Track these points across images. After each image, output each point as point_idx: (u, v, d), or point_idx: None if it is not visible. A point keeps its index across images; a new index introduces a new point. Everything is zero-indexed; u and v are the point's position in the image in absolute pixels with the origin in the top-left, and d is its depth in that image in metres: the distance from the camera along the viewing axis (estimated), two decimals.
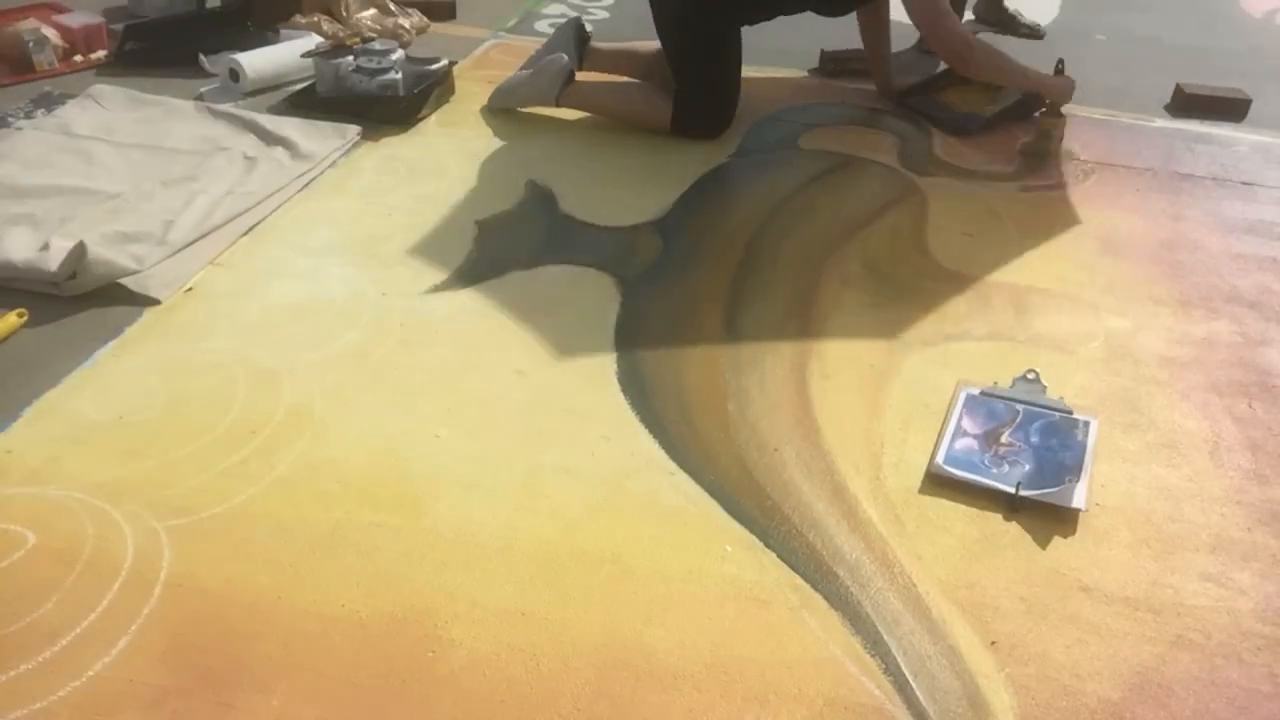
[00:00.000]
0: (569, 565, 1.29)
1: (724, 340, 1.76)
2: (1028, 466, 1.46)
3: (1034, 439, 1.52)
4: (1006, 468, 1.47)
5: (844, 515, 1.40)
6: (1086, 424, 1.55)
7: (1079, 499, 1.41)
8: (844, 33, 3.10)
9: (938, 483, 1.45)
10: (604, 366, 1.68)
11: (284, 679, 1.13)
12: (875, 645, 1.21)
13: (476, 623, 1.21)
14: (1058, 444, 1.51)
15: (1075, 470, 1.45)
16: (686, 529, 1.36)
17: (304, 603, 1.22)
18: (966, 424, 1.54)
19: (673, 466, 1.47)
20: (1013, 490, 1.41)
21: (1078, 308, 1.90)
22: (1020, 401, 1.60)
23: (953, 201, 2.29)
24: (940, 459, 1.47)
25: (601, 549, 1.32)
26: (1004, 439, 1.52)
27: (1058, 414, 1.57)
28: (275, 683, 1.12)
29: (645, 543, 1.34)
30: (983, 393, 1.62)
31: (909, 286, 1.95)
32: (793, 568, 1.31)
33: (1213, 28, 3.17)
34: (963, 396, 1.60)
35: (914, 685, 1.16)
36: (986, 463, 1.48)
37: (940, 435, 1.52)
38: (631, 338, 1.76)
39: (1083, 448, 1.50)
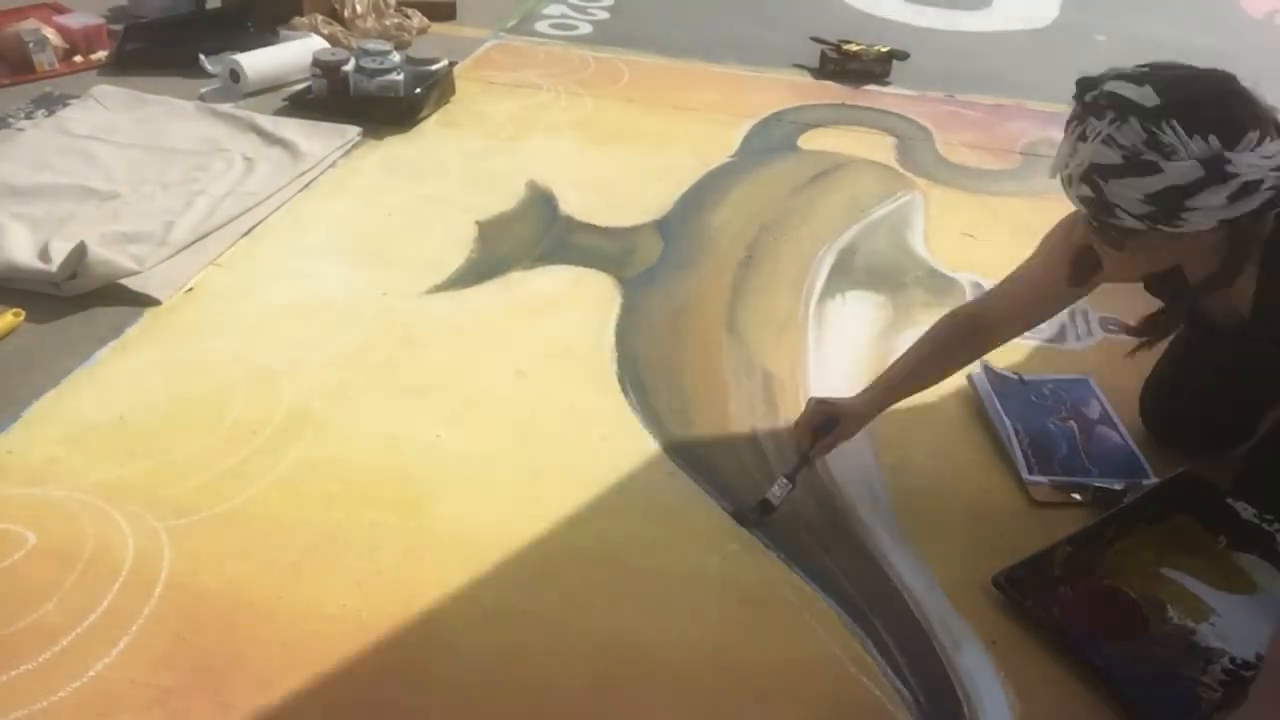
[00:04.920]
0: (569, 565, 1.29)
1: (724, 340, 1.76)
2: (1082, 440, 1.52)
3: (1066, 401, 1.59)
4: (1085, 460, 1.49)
5: (844, 515, 1.40)
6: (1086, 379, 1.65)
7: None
8: (841, 30, 3.11)
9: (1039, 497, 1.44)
10: (604, 366, 1.68)
11: (284, 679, 1.13)
12: (875, 645, 1.21)
13: (476, 623, 1.21)
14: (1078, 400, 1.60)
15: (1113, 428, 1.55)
16: (686, 529, 1.36)
17: (304, 603, 1.22)
18: (1016, 424, 1.54)
19: (673, 466, 1.47)
20: (1120, 489, 1.43)
21: (1076, 308, 1.90)
22: (1030, 378, 1.64)
23: (953, 202, 2.29)
24: (1028, 475, 1.46)
25: (601, 549, 1.32)
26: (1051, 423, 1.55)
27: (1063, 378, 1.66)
28: (275, 682, 1.12)
29: (645, 543, 1.34)
30: (985, 370, 1.64)
31: (909, 287, 1.95)
32: (793, 568, 1.31)
33: (1213, 28, 3.18)
34: (987, 391, 1.61)
35: (914, 685, 1.16)
36: (1068, 458, 1.50)
37: (1010, 451, 1.50)
38: (631, 338, 1.76)
39: (1100, 400, 1.60)
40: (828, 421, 1.42)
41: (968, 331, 1.46)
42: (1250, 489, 1.36)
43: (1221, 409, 1.46)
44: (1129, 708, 1.15)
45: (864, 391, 1.46)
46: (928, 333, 1.47)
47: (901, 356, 1.47)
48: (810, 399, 1.45)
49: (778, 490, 1.37)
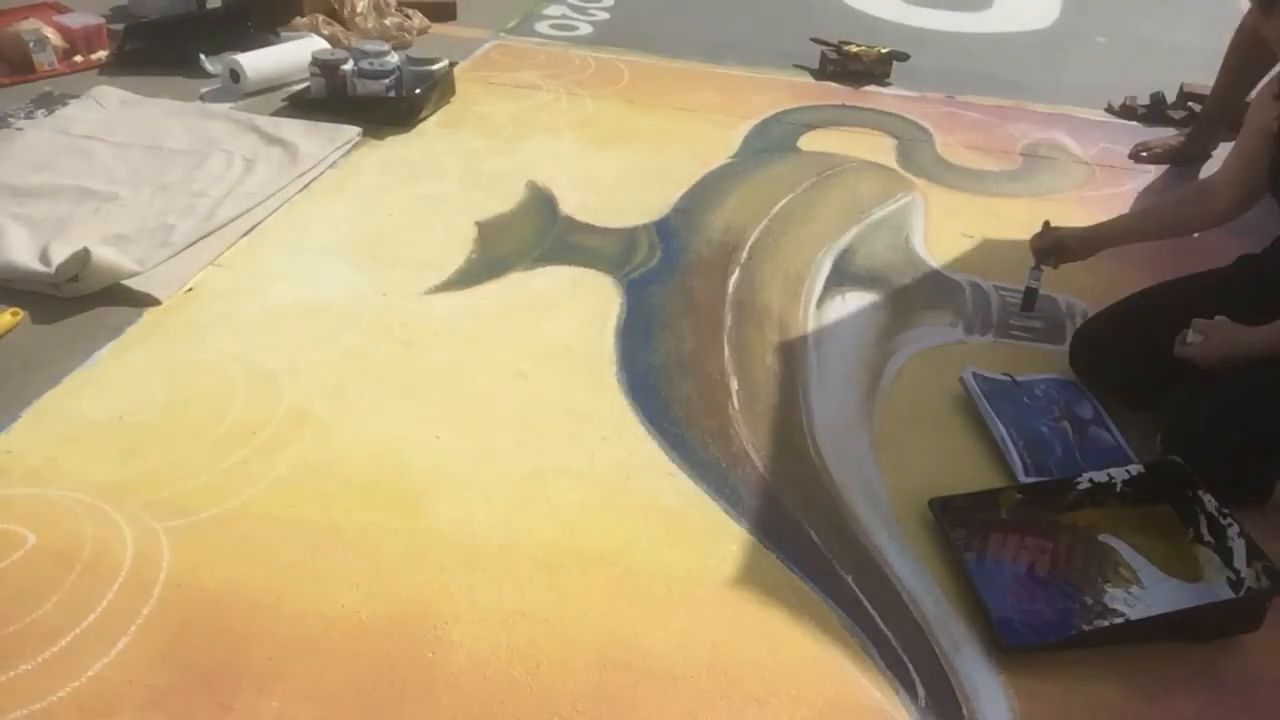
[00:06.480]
0: (569, 565, 1.29)
1: (724, 341, 1.76)
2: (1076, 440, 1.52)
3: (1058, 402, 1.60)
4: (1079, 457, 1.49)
5: (844, 516, 1.40)
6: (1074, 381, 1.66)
7: None
8: (841, 31, 3.11)
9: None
10: (604, 366, 1.68)
11: (284, 679, 1.13)
12: (875, 645, 1.21)
13: (476, 623, 1.21)
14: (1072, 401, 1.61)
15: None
16: (686, 529, 1.36)
17: (304, 603, 1.22)
18: (1010, 429, 1.53)
19: (673, 466, 1.47)
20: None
21: (1076, 308, 1.90)
22: (1022, 379, 1.64)
23: (952, 203, 2.29)
24: (1024, 478, 1.45)
25: (601, 549, 1.32)
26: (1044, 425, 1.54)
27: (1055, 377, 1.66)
28: (275, 683, 1.12)
29: (645, 543, 1.34)
30: (976, 374, 1.64)
31: (909, 287, 1.95)
32: (793, 568, 1.31)
33: (1213, 29, 3.16)
34: (978, 394, 1.60)
35: (914, 686, 1.16)
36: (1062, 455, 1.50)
37: (1006, 455, 1.49)
38: (631, 338, 1.76)
39: (1094, 403, 1.60)
40: (1054, 245, 1.75)
41: (1191, 195, 1.76)
42: (1169, 443, 1.45)
43: (1146, 361, 1.55)
44: (985, 617, 1.23)
45: (1101, 224, 1.80)
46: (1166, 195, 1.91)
47: (1140, 210, 1.86)
48: (1045, 223, 1.79)
49: (1036, 278, 1.80)
